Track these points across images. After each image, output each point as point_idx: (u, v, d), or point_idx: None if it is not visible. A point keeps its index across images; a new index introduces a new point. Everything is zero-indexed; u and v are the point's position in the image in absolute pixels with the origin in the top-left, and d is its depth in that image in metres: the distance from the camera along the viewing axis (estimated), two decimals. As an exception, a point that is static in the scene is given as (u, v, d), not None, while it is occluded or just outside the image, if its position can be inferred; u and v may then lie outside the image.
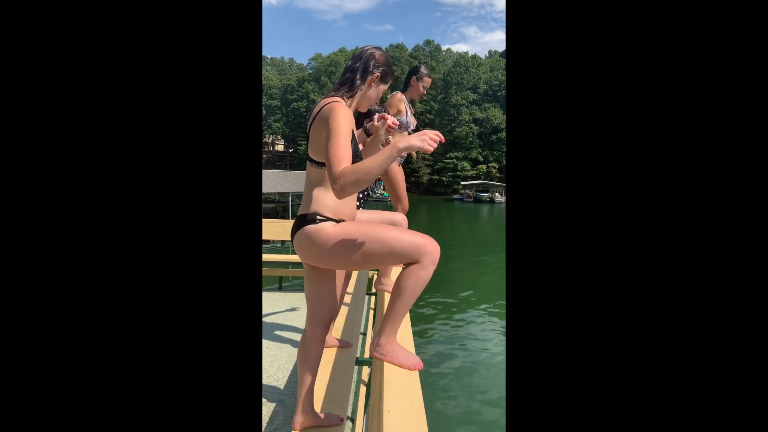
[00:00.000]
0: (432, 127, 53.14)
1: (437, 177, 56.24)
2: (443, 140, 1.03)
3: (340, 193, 1.01)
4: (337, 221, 1.16)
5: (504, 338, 6.95)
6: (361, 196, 1.96)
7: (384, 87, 1.27)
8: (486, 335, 7.10)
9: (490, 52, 75.09)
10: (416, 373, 1.12)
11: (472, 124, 55.69)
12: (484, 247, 16.19)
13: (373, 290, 3.24)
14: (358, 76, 1.21)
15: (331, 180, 1.02)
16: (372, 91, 1.24)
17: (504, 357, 6.18)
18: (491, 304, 8.73)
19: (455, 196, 50.76)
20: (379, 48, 1.26)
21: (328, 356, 1.71)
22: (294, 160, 59.61)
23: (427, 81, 2.46)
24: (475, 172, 55.25)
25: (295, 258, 4.16)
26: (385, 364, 1.14)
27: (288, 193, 22.16)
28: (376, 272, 3.36)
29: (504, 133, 54.81)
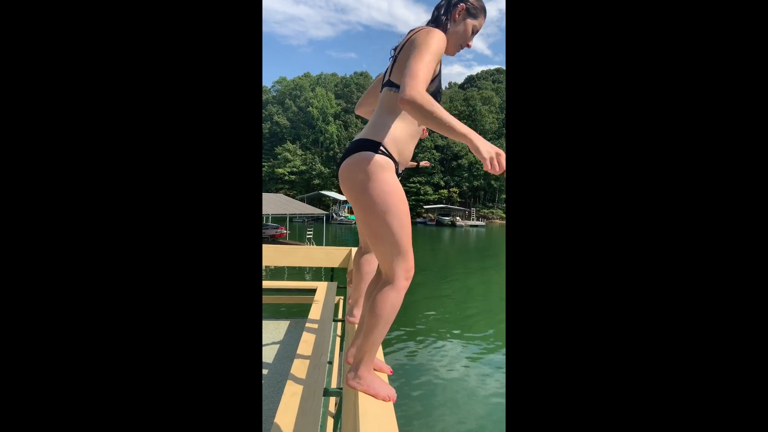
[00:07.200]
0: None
1: (401, 201, 56.98)
2: (503, 170, 0.88)
3: (403, 103, 0.93)
4: (395, 162, 1.12)
5: (473, 367, 6.98)
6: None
7: (473, 22, 1.17)
8: (457, 366, 7.10)
9: (449, 83, 79.02)
10: (390, 404, 1.10)
11: (434, 150, 57.58)
12: (447, 271, 16.44)
13: (339, 317, 3.16)
14: (442, 12, 1.15)
15: (403, 85, 0.95)
16: (459, 27, 1.16)
17: (481, 390, 6.19)
18: (458, 330, 8.79)
19: (418, 220, 51.50)
20: None
21: (295, 388, 1.64)
22: (255, 182, 58.09)
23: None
24: (437, 196, 56.77)
25: (267, 284, 3.97)
26: (360, 394, 1.11)
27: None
28: (345, 301, 3.30)
29: (464, 160, 57.27)
